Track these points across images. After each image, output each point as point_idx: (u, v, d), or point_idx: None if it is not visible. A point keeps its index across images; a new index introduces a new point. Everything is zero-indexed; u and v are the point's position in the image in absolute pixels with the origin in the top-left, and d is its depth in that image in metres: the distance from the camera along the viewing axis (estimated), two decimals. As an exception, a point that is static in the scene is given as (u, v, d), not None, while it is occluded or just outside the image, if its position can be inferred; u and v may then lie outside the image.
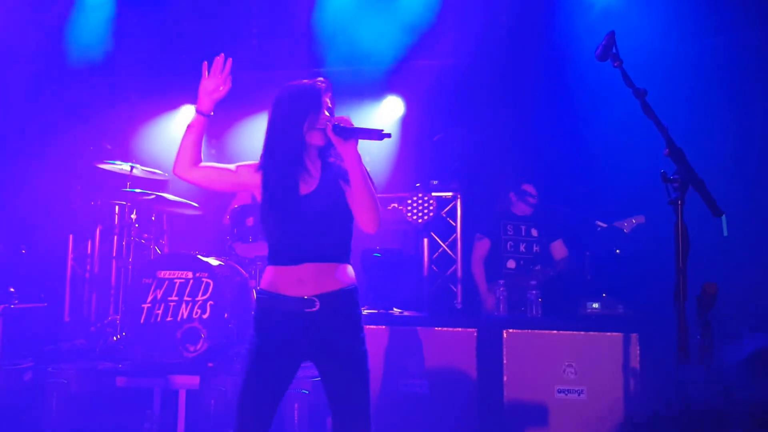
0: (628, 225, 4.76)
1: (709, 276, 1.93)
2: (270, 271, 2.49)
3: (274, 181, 2.46)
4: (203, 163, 2.55)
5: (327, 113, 2.46)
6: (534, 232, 5.24)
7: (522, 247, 5.21)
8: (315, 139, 2.46)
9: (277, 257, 2.47)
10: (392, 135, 2.34)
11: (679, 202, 1.84)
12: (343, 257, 2.50)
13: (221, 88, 2.49)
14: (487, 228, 5.27)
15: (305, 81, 2.52)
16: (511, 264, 5.20)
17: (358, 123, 2.40)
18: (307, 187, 2.48)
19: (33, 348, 4.92)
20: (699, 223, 2.19)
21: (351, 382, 2.39)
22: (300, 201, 2.44)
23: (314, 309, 2.38)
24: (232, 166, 2.59)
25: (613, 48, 2.03)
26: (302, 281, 2.41)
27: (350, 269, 2.53)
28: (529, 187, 5.23)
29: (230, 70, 2.50)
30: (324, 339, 2.41)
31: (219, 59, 2.49)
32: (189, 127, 2.51)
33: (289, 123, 2.45)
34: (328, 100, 2.50)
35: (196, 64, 2.58)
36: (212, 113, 2.53)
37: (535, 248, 5.22)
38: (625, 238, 4.81)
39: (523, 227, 5.25)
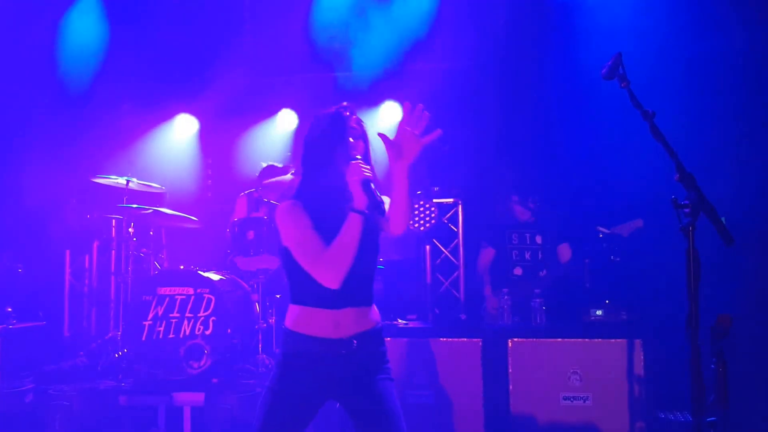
0: (627, 229, 4.73)
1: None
2: (302, 311, 2.36)
3: (318, 222, 2.31)
4: None
5: (355, 149, 2.32)
6: (538, 240, 5.21)
7: (527, 255, 5.20)
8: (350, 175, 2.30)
9: (316, 300, 2.33)
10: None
11: (691, 228, 1.80)
12: (374, 298, 2.46)
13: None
14: (493, 237, 5.25)
15: (330, 110, 2.41)
16: (518, 271, 5.19)
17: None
18: None
19: (33, 368, 4.88)
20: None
21: (388, 415, 2.34)
22: None
23: (352, 349, 2.33)
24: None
25: (620, 68, 1.99)
26: (339, 324, 2.33)
27: (377, 309, 2.48)
28: (516, 200, 5.19)
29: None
30: (357, 377, 2.35)
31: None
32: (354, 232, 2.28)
33: (324, 159, 2.35)
34: (355, 126, 2.39)
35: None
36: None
37: (539, 255, 5.20)
38: (627, 243, 4.77)
39: (527, 235, 5.23)
